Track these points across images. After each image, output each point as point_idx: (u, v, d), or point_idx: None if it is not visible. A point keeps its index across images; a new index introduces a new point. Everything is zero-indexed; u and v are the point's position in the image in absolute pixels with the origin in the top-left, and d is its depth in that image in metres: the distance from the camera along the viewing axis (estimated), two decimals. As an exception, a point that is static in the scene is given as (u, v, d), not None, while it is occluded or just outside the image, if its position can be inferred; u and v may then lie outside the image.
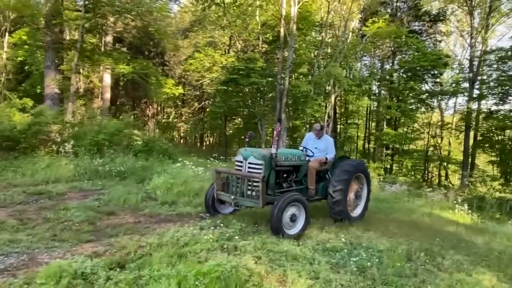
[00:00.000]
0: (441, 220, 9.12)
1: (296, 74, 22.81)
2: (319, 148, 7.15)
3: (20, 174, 8.58)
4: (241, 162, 6.01)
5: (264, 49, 22.32)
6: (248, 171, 5.85)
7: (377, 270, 4.59)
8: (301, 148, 7.31)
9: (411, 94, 24.35)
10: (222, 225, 5.85)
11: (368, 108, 28.20)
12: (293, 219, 5.65)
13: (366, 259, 4.93)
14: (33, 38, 17.86)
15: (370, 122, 29.68)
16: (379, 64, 28.18)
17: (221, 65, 21.14)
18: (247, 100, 21.20)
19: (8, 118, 10.20)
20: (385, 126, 25.30)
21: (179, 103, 34.17)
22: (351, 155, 28.50)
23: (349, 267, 4.66)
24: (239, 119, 28.44)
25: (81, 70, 22.38)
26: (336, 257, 4.97)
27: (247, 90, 20.05)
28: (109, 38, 21.23)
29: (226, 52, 24.00)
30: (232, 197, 5.85)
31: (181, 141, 37.31)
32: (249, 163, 5.88)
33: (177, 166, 9.97)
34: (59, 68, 14.77)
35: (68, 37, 17.19)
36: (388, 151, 25.19)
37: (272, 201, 5.75)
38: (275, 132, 5.90)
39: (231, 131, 28.80)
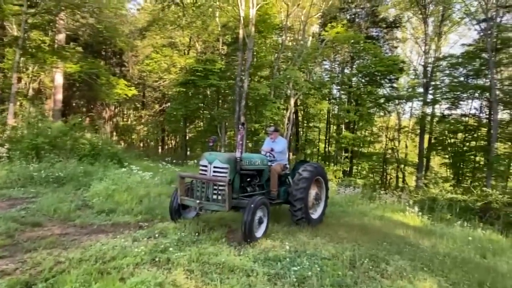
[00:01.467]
0: (391, 223, 9.15)
1: (257, 77, 22.66)
2: (275, 149, 7.39)
3: None
4: (206, 166, 6.01)
5: (224, 50, 21.99)
6: (213, 175, 5.88)
7: (317, 280, 4.35)
8: (263, 152, 7.50)
9: (369, 99, 24.85)
10: (159, 235, 5.44)
11: (329, 111, 28.55)
12: (260, 221, 5.81)
13: (308, 268, 4.69)
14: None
15: (331, 126, 30.08)
16: (339, 69, 28.62)
17: (179, 66, 20.58)
18: (207, 103, 20.75)
19: None
20: (343, 129, 25.66)
21: (139, 105, 33.14)
22: (312, 158, 28.73)
23: (289, 278, 4.40)
24: (201, 122, 27.95)
25: (29, 69, 21.09)
26: (276, 267, 4.70)
27: (208, 92, 19.60)
28: (61, 36, 20.13)
29: (186, 53, 23.44)
30: (197, 201, 5.77)
31: (141, 144, 36.23)
32: (215, 167, 5.92)
33: (123, 171, 9.40)
34: (-2, 66, 13.69)
35: (15, 33, 16.01)
36: (347, 154, 25.55)
37: (237, 205, 5.85)
38: (238, 136, 5.92)
39: (192, 134, 28.16)
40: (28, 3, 13.65)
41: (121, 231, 5.82)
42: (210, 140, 6.76)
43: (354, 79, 25.71)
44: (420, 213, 10.47)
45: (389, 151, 28.91)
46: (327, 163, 25.61)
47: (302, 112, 28.46)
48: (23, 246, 4.84)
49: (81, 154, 11.20)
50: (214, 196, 5.78)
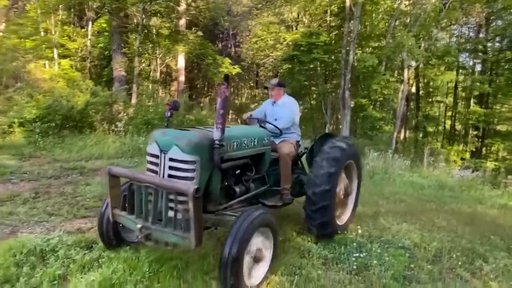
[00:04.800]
0: (514, 214, 7.54)
1: (369, 48, 21.01)
2: (278, 119, 4.77)
3: (67, 151, 9.20)
4: (157, 157, 3.26)
5: (330, 22, 20.90)
6: (169, 175, 3.18)
7: (380, 271, 3.79)
8: (256, 122, 4.78)
9: (509, 67, 20.82)
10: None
11: (457, 84, 24.92)
12: (258, 258, 3.22)
13: (375, 257, 4.13)
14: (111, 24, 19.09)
15: (460, 100, 26.27)
16: (471, 33, 24.57)
17: (285, 42, 20.37)
18: (313, 79, 20.17)
19: (66, 98, 10.98)
20: (472, 104, 22.14)
21: (252, 84, 34.28)
22: (436, 138, 25.70)
23: (348, 265, 3.93)
24: (312, 101, 27.46)
25: (156, 54, 23.58)
26: (339, 251, 4.25)
27: (311, 66, 19.01)
28: (182, 22, 21.88)
29: (294, 28, 23.05)
30: (139, 225, 3.10)
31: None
32: (171, 159, 3.17)
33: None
34: (123, 51, 15.55)
35: (136, 21, 17.91)
36: (477, 132, 22.07)
37: (217, 224, 3.49)
38: (218, 101, 3.12)
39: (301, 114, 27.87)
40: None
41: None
42: (168, 106, 3.92)
43: (489, 44, 21.77)
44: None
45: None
46: (451, 142, 22.60)
47: (422, 84, 25.50)
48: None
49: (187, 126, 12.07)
50: (170, 215, 3.06)
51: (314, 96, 22.59)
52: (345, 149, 4.49)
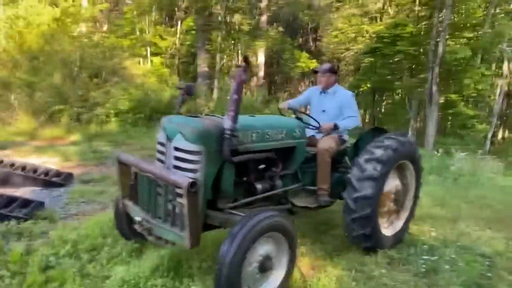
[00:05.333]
0: None
1: (461, 39, 19.21)
2: (327, 110, 4.23)
3: (154, 140, 10.01)
4: (163, 145, 3.02)
5: (419, 12, 19.50)
6: (175, 166, 2.89)
7: (450, 277, 3.54)
8: (289, 113, 4.29)
9: None
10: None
11: None
12: (265, 267, 2.84)
13: (448, 261, 3.86)
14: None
15: None
16: None
17: (368, 35, 19.57)
18: (395, 72, 19.11)
19: (155, 93, 11.99)
20: None
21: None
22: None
23: (416, 267, 3.74)
24: (396, 96, 26.00)
25: (237, 50, 24.41)
26: (407, 252, 4.06)
27: (395, 59, 18.02)
28: (263, 18, 22.36)
29: (378, 20, 22.02)
30: (139, 217, 2.96)
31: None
32: (176, 148, 2.87)
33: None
34: (206, 48, 16.41)
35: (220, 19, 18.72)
36: None
37: (224, 224, 3.04)
38: (233, 84, 2.84)
39: (382, 109, 26.55)
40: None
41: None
42: (180, 89, 3.36)
43: None
44: None
45: None
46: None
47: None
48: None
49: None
50: (171, 210, 2.82)
51: (398, 91, 21.42)
52: (395, 148, 3.75)
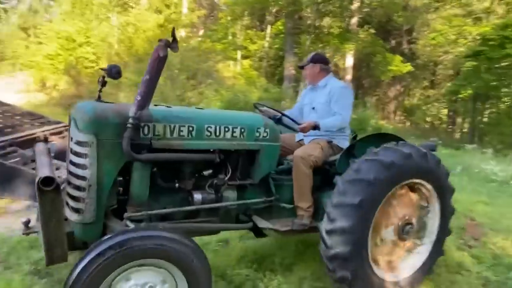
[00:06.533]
0: None
1: None
2: (316, 107, 3.46)
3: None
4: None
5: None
6: (70, 161, 2.39)
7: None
8: (261, 107, 3.55)
9: None
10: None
11: None
12: None
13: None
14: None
15: None
16: None
17: (471, 36, 17.91)
18: (502, 78, 17.17)
19: (244, 94, 12.54)
20: None
21: (427, 84, 31.33)
22: None
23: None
24: (500, 104, 23.34)
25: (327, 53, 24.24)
26: (504, 275, 3.71)
27: (503, 64, 16.23)
28: (354, 20, 21.88)
29: (484, 20, 20.02)
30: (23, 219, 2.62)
31: (426, 126, 34.27)
32: (71, 138, 2.43)
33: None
34: (294, 52, 16.61)
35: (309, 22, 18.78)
36: None
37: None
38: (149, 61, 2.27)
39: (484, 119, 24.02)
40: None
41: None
42: (103, 69, 2.50)
43: None
44: None
45: None
46: None
47: None
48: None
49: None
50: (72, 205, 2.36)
51: (505, 99, 19.22)
52: (390, 163, 2.74)
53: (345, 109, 3.29)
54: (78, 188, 2.27)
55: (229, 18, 20.52)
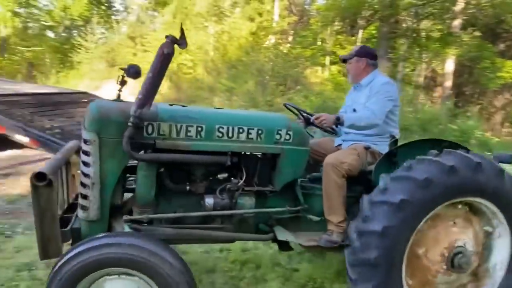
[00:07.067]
0: None
1: None
2: (357, 108, 3.08)
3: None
4: None
5: None
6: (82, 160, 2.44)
7: None
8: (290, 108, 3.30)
9: None
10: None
11: None
12: None
13: None
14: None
15: None
16: None
17: None
18: None
19: (333, 100, 12.26)
20: None
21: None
22: None
23: None
24: None
25: (423, 58, 22.66)
26: None
27: None
28: (456, 22, 20.12)
29: None
30: None
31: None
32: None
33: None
34: (388, 57, 15.82)
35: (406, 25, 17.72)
36: None
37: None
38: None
39: None
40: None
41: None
42: (123, 69, 2.58)
43: None
44: None
45: None
46: None
47: None
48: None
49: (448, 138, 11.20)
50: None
51: None
52: (431, 180, 2.27)
53: (378, 103, 2.87)
54: (83, 185, 2.30)
55: (320, 24, 20.37)
